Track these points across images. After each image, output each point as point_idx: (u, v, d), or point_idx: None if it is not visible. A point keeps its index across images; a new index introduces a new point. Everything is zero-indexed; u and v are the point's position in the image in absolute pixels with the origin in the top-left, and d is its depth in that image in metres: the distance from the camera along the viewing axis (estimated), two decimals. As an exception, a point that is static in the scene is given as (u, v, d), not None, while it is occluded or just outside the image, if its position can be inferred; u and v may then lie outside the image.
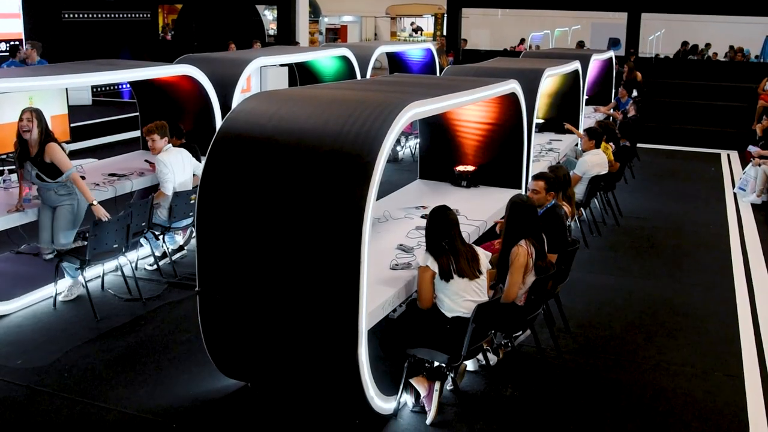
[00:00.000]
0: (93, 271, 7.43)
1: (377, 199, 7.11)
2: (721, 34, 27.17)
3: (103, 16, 19.29)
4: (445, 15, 25.05)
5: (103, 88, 18.26)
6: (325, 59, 13.13)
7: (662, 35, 30.43)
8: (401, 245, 6.19)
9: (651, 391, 5.87)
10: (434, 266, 5.21)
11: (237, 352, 5.37)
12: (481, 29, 32.14)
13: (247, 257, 4.99)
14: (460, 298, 5.24)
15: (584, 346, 6.61)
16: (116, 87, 18.54)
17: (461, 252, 5.29)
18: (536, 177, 6.77)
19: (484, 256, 5.46)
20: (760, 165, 11.80)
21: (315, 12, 33.54)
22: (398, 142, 13.88)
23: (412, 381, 5.33)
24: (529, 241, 5.72)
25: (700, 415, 5.55)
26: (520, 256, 5.66)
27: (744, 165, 13.63)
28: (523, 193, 7.91)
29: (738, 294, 7.95)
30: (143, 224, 7.45)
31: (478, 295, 5.30)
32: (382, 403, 5.16)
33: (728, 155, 16.04)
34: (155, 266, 7.91)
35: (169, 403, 5.46)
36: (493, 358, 5.99)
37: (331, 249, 4.69)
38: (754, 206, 11.60)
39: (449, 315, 5.28)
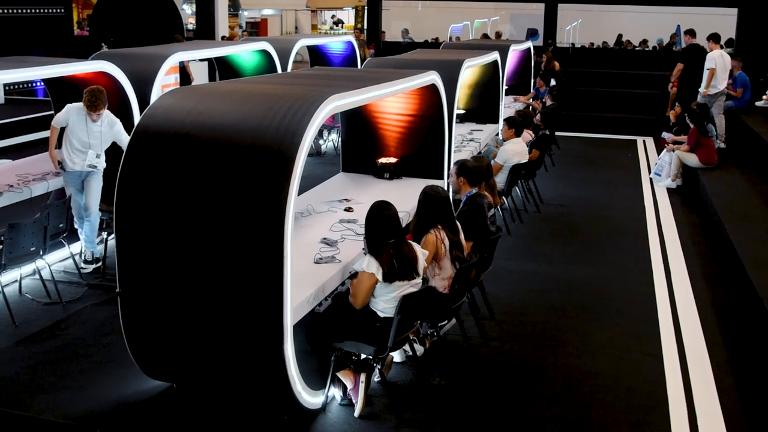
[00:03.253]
0: (9, 276, 7.22)
1: (300, 193, 7.11)
2: (634, 24, 27.82)
3: (14, 11, 18.73)
4: (366, 7, 25.03)
5: (16, 87, 17.73)
6: (246, 53, 12.99)
7: (579, 25, 31.00)
8: (325, 239, 6.18)
9: (575, 374, 6.00)
10: (379, 273, 5.13)
11: (161, 353, 5.30)
12: (402, 21, 32.24)
13: (169, 256, 4.92)
14: (395, 301, 5.19)
15: (509, 333, 6.70)
16: (30, 85, 18.02)
17: (405, 252, 5.26)
18: (454, 163, 6.89)
19: (422, 255, 5.45)
20: (674, 150, 12.13)
21: (234, 5, 33.18)
22: (320, 135, 13.84)
23: (339, 374, 5.33)
24: (441, 228, 5.77)
25: (622, 394, 5.69)
26: (428, 243, 5.71)
27: (659, 151, 13.98)
28: (446, 183, 7.99)
29: (655, 276, 8.17)
30: (61, 225, 7.28)
31: None
32: (309, 398, 5.15)
33: (644, 141, 16.45)
34: (90, 264, 7.78)
35: (92, 408, 5.35)
36: (419, 349, 6.03)
37: (254, 244, 4.65)
38: (669, 190, 11.93)
39: (381, 315, 5.28)
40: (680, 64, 15.35)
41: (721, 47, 14.29)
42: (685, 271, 8.32)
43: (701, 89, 13.76)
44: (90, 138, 7.58)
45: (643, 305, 7.38)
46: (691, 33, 15.76)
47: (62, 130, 7.75)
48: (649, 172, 13.00)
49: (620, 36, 26.05)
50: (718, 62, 13.61)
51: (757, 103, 15.00)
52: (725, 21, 20.91)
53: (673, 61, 18.09)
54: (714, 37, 14.24)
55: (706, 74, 13.73)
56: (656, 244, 9.27)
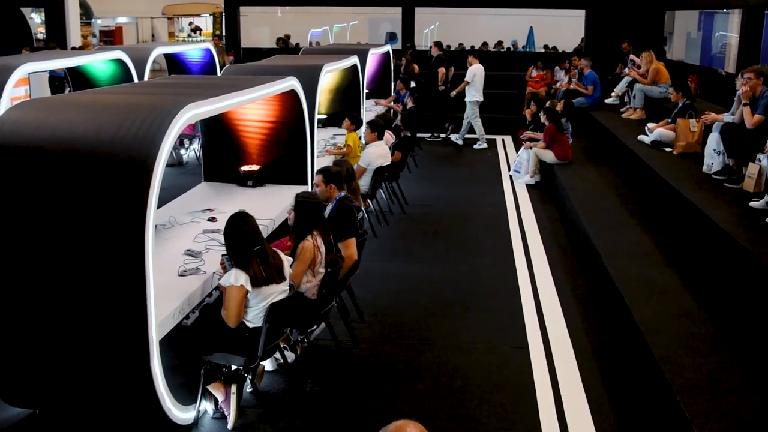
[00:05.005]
0: None
1: (161, 205, 6.97)
2: (490, 27, 28.59)
3: None
4: (224, 14, 24.73)
5: None
6: (99, 63, 12.59)
7: (436, 28, 31.60)
8: (189, 250, 6.06)
9: (446, 370, 6.10)
10: (248, 284, 5.06)
11: (20, 378, 5.04)
12: (262, 27, 32.03)
13: (24, 275, 4.70)
14: (264, 310, 5.13)
15: (380, 334, 6.76)
16: None
17: (270, 256, 5.23)
18: (317, 172, 6.90)
19: (286, 260, 5.44)
20: (531, 148, 12.53)
21: (87, 14, 32.11)
22: (182, 144, 13.58)
23: (210, 387, 5.24)
24: (318, 233, 5.78)
25: (492, 387, 5.83)
26: (306, 251, 5.70)
27: (517, 148, 14.42)
28: (310, 189, 7.98)
29: (518, 269, 8.42)
30: None
31: None
32: (180, 414, 5.03)
33: (503, 140, 16.94)
34: None
35: (-54, 441, 5.08)
36: (290, 356, 6.00)
37: (114, 259, 4.51)
38: (528, 186, 12.33)
39: (250, 326, 5.22)
40: (442, 68, 17.06)
41: (480, 62, 15.93)
42: (546, 264, 8.62)
43: (452, 93, 16.21)
44: None
45: (508, 299, 7.59)
46: (438, 45, 17.85)
47: None
48: (509, 170, 13.38)
49: (500, 42, 26.74)
50: (477, 75, 15.61)
51: (607, 101, 15.67)
52: (574, 22, 21.78)
53: (528, 61, 18.89)
54: (474, 53, 16.55)
55: (462, 84, 15.79)
56: (518, 239, 9.55)
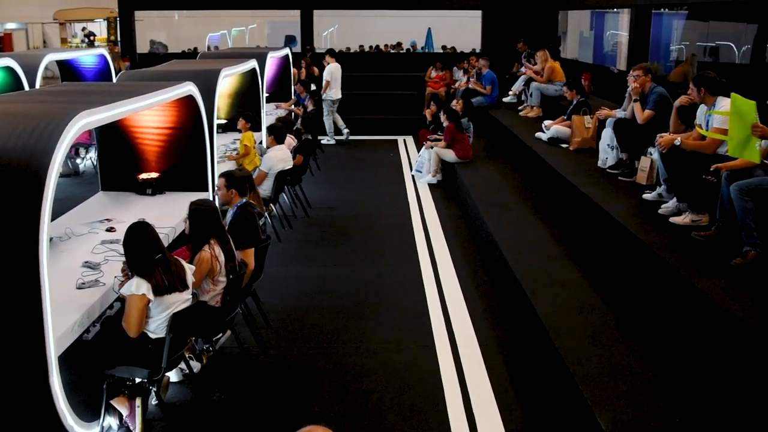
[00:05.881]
0: None
1: (56, 217, 6.77)
2: (389, 28, 28.79)
3: None
4: (118, 19, 24.16)
5: None
6: (-14, 71, 12.13)
7: (336, 30, 31.64)
8: (87, 262, 5.89)
9: (353, 372, 6.11)
10: (149, 292, 4.95)
11: None
12: (158, 32, 31.46)
13: None
14: (167, 320, 5.05)
15: (287, 339, 6.72)
16: None
17: (172, 264, 5.14)
18: (219, 175, 6.84)
19: (189, 269, 5.35)
20: (432, 147, 12.66)
21: (-28, 20, 30.94)
22: (77, 154, 13.20)
23: (113, 402, 5.11)
24: (216, 242, 5.70)
25: (400, 387, 5.87)
26: (203, 263, 5.62)
27: (419, 148, 14.55)
28: (211, 195, 7.88)
29: (423, 269, 8.50)
30: None
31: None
32: (83, 431, 4.89)
33: (404, 140, 17.07)
34: None
35: None
36: (196, 365, 5.91)
37: (6, 274, 4.34)
38: (430, 186, 12.46)
39: (153, 336, 5.11)
40: (295, 69, 17.47)
41: (336, 60, 16.69)
42: (450, 262, 8.72)
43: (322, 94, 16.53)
44: None
45: (414, 298, 7.65)
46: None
47: None
48: (411, 170, 13.49)
49: (399, 44, 26.94)
50: (334, 74, 16.44)
51: (505, 99, 15.96)
52: (471, 23, 22.12)
53: (427, 62, 19.13)
54: (330, 52, 17.25)
55: (324, 84, 16.40)
56: (422, 238, 9.64)
